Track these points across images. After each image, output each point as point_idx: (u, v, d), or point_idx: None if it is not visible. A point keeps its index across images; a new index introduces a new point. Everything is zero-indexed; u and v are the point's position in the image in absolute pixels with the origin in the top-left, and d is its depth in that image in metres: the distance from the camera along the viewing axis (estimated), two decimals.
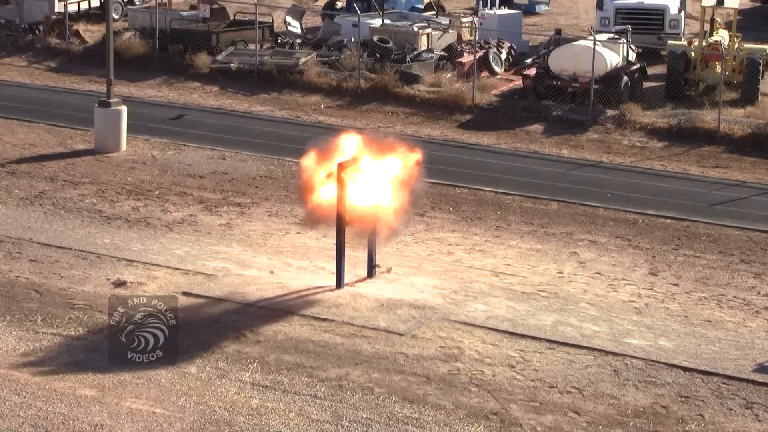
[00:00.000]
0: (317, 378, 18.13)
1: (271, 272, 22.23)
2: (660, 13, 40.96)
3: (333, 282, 21.47)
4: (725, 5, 37.31)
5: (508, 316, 20.67)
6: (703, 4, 37.61)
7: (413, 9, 45.40)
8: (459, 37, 40.37)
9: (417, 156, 21.38)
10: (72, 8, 44.00)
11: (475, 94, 35.52)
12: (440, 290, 21.66)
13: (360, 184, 21.00)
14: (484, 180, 28.94)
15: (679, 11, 41.51)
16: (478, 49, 37.93)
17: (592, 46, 34.38)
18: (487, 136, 33.45)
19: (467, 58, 37.94)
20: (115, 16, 43.31)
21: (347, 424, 16.87)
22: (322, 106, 36.13)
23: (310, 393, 17.68)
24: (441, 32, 40.32)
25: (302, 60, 38.46)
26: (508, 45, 40.35)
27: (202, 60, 39.02)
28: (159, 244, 23.75)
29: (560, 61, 35.22)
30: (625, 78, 35.24)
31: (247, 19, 41.51)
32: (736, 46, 36.75)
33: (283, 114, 35.50)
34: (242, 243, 23.93)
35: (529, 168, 30.66)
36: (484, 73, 38.10)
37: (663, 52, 38.55)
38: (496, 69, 39.00)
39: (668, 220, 26.50)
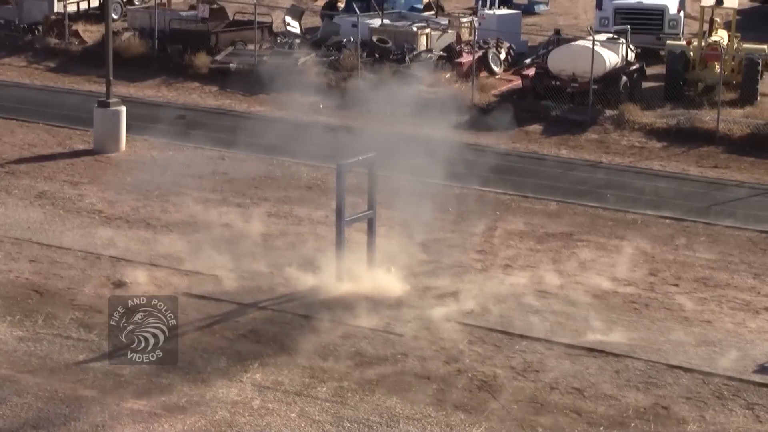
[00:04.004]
0: (318, 379, 18.13)
1: (271, 272, 22.23)
2: (659, 13, 40.91)
3: (333, 282, 21.45)
4: (724, 5, 37.28)
5: (508, 316, 20.66)
6: (703, 4, 37.57)
7: (412, 9, 45.35)
8: (458, 37, 40.34)
9: None
10: (71, 8, 43.95)
11: (474, 94, 35.51)
12: (440, 291, 21.66)
13: None
14: (483, 180, 28.90)
15: (679, 11, 41.48)
16: (477, 49, 37.92)
17: (592, 46, 34.37)
18: (486, 136, 33.42)
19: (466, 58, 37.88)
20: (115, 16, 43.24)
21: (348, 425, 16.87)
22: (321, 106, 36.09)
23: (311, 394, 17.69)
24: (440, 32, 40.31)
25: (301, 60, 38.44)
26: (507, 45, 40.32)
27: (202, 60, 38.98)
28: (159, 244, 23.74)
29: (559, 61, 35.19)
30: (624, 78, 35.20)
31: (246, 19, 41.48)
32: (735, 46, 36.74)
33: (283, 114, 35.44)
34: (241, 243, 23.91)
35: (528, 168, 30.65)
36: (483, 73, 38.06)
37: (662, 52, 38.53)
38: (495, 69, 38.94)
39: (668, 220, 26.48)
